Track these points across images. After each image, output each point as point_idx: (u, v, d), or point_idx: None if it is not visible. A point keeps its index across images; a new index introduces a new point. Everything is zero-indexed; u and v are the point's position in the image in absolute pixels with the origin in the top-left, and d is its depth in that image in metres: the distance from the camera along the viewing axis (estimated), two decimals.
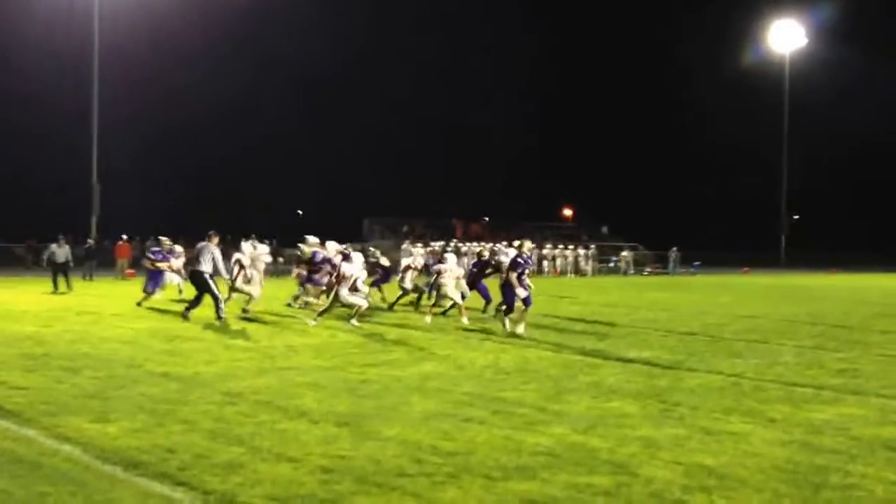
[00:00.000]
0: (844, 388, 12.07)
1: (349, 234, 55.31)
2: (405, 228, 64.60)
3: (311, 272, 23.70)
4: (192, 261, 20.94)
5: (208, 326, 18.87)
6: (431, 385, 11.86)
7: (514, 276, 17.88)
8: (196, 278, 20.30)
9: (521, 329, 17.81)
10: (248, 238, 26.72)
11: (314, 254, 23.41)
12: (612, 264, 64.86)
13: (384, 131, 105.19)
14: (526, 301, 18.03)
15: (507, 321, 18.18)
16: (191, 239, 30.16)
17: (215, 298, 19.94)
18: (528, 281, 18.39)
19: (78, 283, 34.24)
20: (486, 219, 70.86)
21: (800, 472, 7.70)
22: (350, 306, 19.25)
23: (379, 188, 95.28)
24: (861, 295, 35.35)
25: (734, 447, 8.58)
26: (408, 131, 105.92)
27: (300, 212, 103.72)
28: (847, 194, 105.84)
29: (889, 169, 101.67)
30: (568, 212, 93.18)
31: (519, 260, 18.45)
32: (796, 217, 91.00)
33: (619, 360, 13.52)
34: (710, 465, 7.86)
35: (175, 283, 26.70)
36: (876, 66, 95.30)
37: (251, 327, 19.00)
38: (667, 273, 63.40)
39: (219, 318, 19.59)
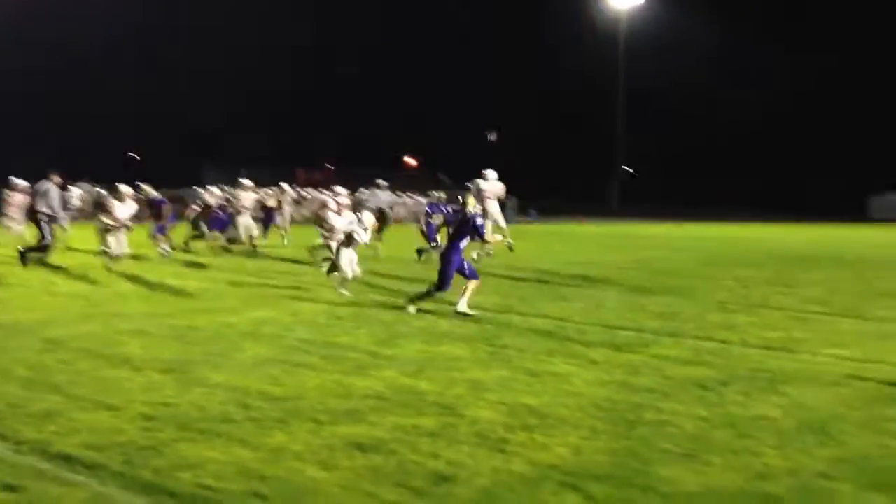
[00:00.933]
0: (662, 331, 12.62)
1: (189, 179, 53.89)
2: (243, 174, 63.28)
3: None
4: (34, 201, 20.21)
5: (34, 272, 18.07)
6: (264, 331, 11.75)
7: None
8: (33, 218, 19.76)
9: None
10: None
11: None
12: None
13: (232, 76, 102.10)
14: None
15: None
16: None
17: (42, 240, 19.30)
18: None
19: None
20: (330, 166, 70.30)
21: (617, 409, 8.04)
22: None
23: (220, 133, 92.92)
24: (688, 244, 36.94)
25: (556, 387, 8.87)
26: (258, 76, 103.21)
27: (135, 155, 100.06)
28: (681, 149, 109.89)
29: (721, 123, 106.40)
30: (412, 161, 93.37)
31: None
32: (630, 170, 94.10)
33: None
34: (532, 405, 8.11)
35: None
36: (706, 25, 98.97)
37: (81, 274, 18.30)
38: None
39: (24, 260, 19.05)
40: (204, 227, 26.35)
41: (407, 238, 28.98)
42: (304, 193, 51.91)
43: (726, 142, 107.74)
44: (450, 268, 13.58)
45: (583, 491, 5.82)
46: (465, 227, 13.79)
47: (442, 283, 13.58)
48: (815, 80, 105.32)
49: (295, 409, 7.75)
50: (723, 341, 11.79)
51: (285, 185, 34.06)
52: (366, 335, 11.61)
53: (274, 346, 10.68)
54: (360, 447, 6.66)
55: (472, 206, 14.00)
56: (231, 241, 25.74)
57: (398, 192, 60.11)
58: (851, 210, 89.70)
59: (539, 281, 19.25)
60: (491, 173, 22.77)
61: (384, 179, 32.67)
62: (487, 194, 22.15)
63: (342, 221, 17.66)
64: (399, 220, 56.10)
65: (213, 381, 8.68)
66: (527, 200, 68.20)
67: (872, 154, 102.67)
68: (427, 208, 24.93)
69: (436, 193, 26.26)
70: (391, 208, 33.58)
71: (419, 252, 23.67)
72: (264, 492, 5.64)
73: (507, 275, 20.16)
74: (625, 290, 17.89)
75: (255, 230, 26.14)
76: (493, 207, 22.52)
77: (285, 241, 29.91)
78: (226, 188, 31.21)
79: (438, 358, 10.27)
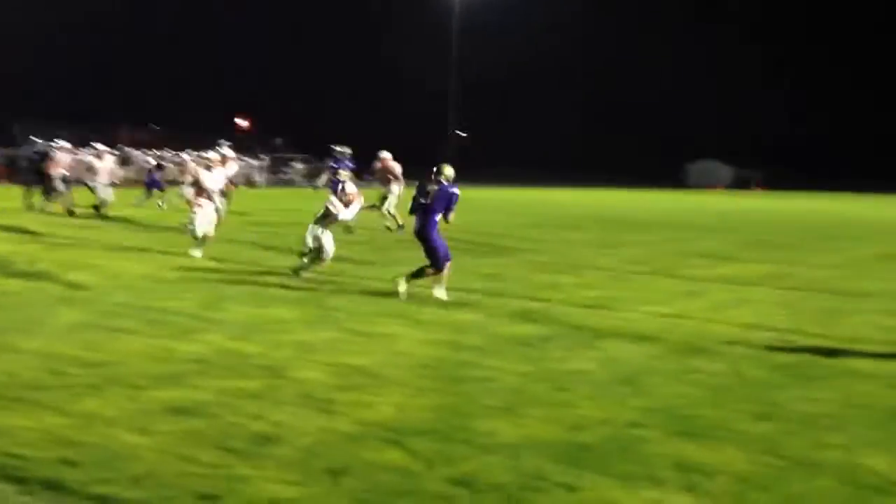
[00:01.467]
0: (489, 291, 12.89)
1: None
2: (61, 134, 60.36)
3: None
4: None
5: None
6: (80, 296, 11.29)
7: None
8: None
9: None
10: None
11: None
12: (285, 176, 64.61)
13: (51, 31, 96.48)
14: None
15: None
16: None
17: None
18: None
19: None
20: (155, 126, 67.91)
21: (443, 367, 8.17)
22: None
23: (34, 90, 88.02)
24: (515, 208, 37.74)
25: (384, 348, 8.93)
26: (77, 31, 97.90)
27: None
28: (517, 115, 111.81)
29: (549, 90, 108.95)
30: (244, 122, 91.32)
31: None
32: (465, 135, 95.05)
33: (282, 267, 13.57)
34: (360, 365, 8.13)
35: None
36: None
37: None
38: None
39: None
40: (59, 186, 24.98)
41: (239, 200, 28.42)
42: (127, 153, 50.13)
43: (556, 109, 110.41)
44: (436, 242, 12.06)
45: (405, 446, 5.89)
46: (441, 200, 12.11)
47: (437, 260, 12.00)
48: (637, 51, 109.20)
49: (111, 374, 7.50)
50: (546, 300, 12.13)
51: (100, 145, 32.64)
52: (192, 299, 11.34)
53: (90, 310, 10.28)
54: (180, 411, 6.51)
55: (448, 178, 12.18)
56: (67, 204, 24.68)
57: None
58: (670, 176, 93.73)
59: (372, 244, 19.26)
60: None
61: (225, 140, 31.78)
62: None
63: (215, 179, 16.89)
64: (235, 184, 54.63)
65: (24, 348, 8.30)
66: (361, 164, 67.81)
67: (690, 123, 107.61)
68: (332, 164, 24.32)
69: (338, 148, 24.44)
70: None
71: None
72: (75, 458, 5.44)
73: (341, 238, 20.05)
74: (455, 252, 18.08)
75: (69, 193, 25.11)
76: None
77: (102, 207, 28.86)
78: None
79: (266, 321, 10.15)
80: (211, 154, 18.38)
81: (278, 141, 75.58)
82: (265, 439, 5.98)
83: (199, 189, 16.39)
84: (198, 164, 19.70)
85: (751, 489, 5.29)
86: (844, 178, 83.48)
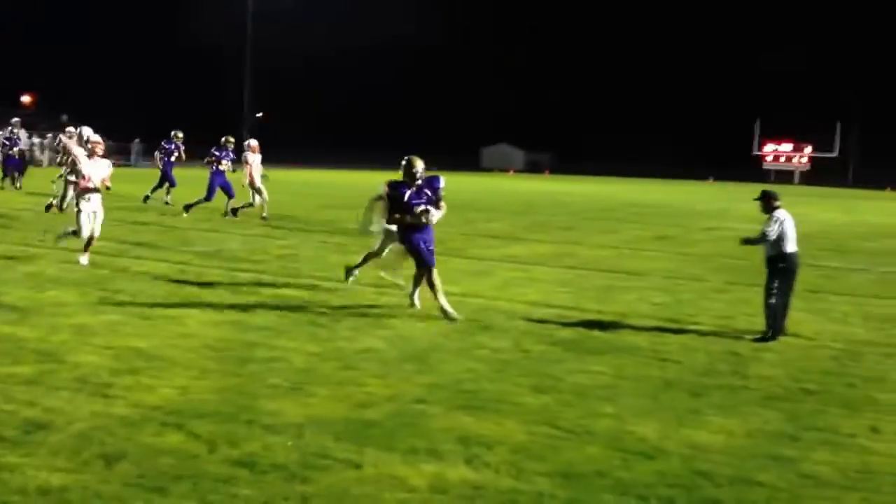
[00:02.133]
0: (282, 272, 12.79)
1: None
2: None
3: None
4: None
5: None
6: None
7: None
8: None
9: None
10: None
11: None
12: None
13: None
14: None
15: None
16: None
17: None
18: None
19: None
20: None
21: (229, 349, 8.06)
22: None
23: None
24: (310, 189, 37.48)
25: (169, 330, 8.72)
26: None
27: None
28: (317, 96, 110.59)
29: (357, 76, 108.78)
30: (26, 98, 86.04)
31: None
32: (260, 115, 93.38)
33: (63, 251, 12.97)
34: (141, 348, 7.91)
35: None
36: None
37: None
38: (129, 165, 61.70)
39: None
40: None
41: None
42: None
43: (360, 92, 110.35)
44: (418, 245, 10.21)
45: (186, 429, 5.79)
46: (421, 194, 10.30)
47: (425, 260, 10.19)
48: (437, 37, 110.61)
49: None
50: (338, 280, 12.15)
51: None
52: None
53: None
54: None
55: (420, 169, 10.37)
56: None
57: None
58: (467, 159, 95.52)
59: (163, 226, 18.66)
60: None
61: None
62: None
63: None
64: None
65: None
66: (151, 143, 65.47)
67: (484, 108, 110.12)
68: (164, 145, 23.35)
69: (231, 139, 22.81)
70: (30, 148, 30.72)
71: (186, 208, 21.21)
72: None
73: (130, 220, 19.33)
74: (248, 233, 17.86)
75: None
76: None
77: None
78: None
79: (43, 304, 9.70)
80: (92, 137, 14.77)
81: (64, 117, 71.65)
82: (37, 426, 5.73)
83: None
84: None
85: (527, 459, 5.52)
86: (630, 164, 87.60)
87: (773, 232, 9.41)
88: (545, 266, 14.78)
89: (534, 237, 19.57)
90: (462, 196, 35.88)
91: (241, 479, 5.01)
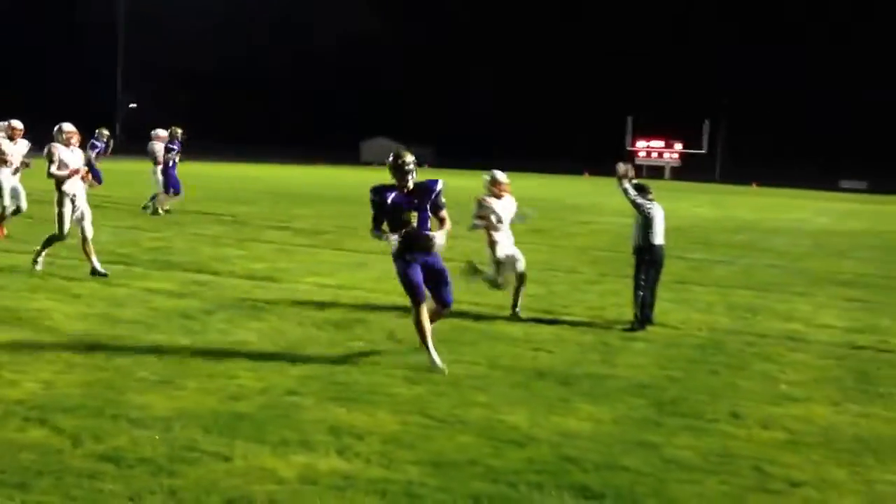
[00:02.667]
0: (154, 265, 12.50)
1: None
2: None
3: None
4: None
5: None
6: None
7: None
8: None
9: None
10: None
11: None
12: None
13: None
14: None
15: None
16: None
17: None
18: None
19: None
20: None
21: (97, 342, 7.83)
22: None
23: None
24: (191, 181, 36.62)
25: (34, 324, 8.45)
26: None
27: None
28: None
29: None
30: None
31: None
32: (134, 105, 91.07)
33: None
34: (4, 342, 7.64)
35: None
36: None
37: None
38: None
39: None
40: None
41: None
42: None
43: (237, 84, 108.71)
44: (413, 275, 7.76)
45: (50, 424, 5.61)
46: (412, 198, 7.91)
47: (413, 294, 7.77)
48: (312, 38, 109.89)
49: None
50: (213, 273, 11.97)
51: None
52: None
53: None
54: None
55: (411, 163, 8.06)
56: None
57: None
58: (346, 154, 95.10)
59: (33, 219, 17.91)
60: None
61: None
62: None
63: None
64: None
65: None
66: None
67: (365, 102, 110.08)
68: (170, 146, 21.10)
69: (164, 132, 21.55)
70: None
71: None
72: None
73: None
74: (118, 225, 17.37)
75: None
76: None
77: None
78: None
79: None
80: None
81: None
82: None
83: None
84: None
85: (398, 448, 5.55)
86: (509, 159, 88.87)
87: (643, 206, 9.71)
88: None
89: None
90: (340, 189, 35.74)
91: (106, 473, 4.89)
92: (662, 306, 10.35)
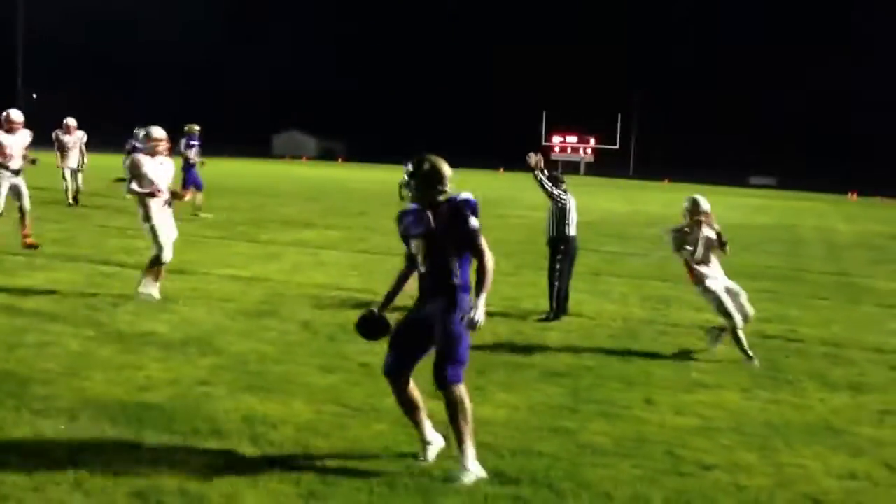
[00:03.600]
0: (58, 256, 12.13)
1: None
2: None
3: None
4: None
5: None
6: None
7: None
8: None
9: None
10: None
11: None
12: None
13: None
14: None
15: None
16: None
17: None
18: None
19: None
20: None
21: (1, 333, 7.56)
22: None
23: None
24: (98, 172, 35.76)
25: None
26: None
27: None
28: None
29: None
30: None
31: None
32: (35, 95, 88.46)
33: None
34: None
35: None
36: None
37: None
38: None
39: None
40: None
41: None
42: None
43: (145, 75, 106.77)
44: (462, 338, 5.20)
45: None
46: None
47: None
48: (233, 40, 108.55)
49: None
50: (120, 265, 11.67)
51: None
52: None
53: None
54: None
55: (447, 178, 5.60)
56: None
57: None
58: (257, 148, 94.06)
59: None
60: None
61: None
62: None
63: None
64: None
65: None
66: None
67: (276, 95, 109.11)
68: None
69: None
70: None
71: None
72: None
73: None
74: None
75: None
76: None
77: None
78: None
79: None
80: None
81: None
82: None
83: None
84: None
85: (313, 436, 5.46)
86: (429, 152, 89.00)
87: (558, 196, 9.74)
88: (336, 250, 14.71)
89: (326, 222, 19.45)
90: (252, 181, 35.27)
91: (7, 464, 4.70)
92: (577, 297, 10.43)
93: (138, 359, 7.03)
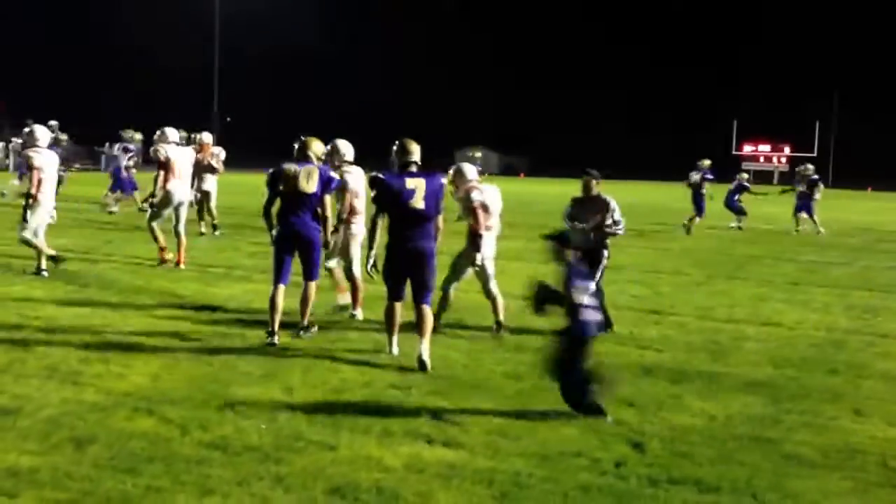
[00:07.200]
0: (254, 268, 12.57)
1: None
2: None
3: None
4: None
5: None
6: None
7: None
8: None
9: None
10: None
11: None
12: None
13: None
14: None
15: None
16: None
17: None
18: None
19: None
20: None
21: (202, 338, 7.91)
22: None
23: None
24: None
25: (138, 320, 8.58)
26: None
27: None
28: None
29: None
30: None
31: None
32: (229, 119, 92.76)
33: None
34: (112, 337, 7.77)
35: None
36: None
37: None
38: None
39: None
40: None
41: None
42: None
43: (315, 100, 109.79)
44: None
45: (158, 414, 5.66)
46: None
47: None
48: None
49: None
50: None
51: None
52: None
53: None
54: None
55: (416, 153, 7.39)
56: None
57: None
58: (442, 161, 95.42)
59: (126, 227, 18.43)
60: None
61: None
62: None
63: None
64: None
65: None
66: None
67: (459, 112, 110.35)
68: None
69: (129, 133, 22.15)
70: None
71: None
72: None
73: (93, 219, 19.09)
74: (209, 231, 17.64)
75: None
76: None
77: None
78: None
79: (11, 297, 9.52)
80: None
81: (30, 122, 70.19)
82: (5, 412, 5.61)
83: None
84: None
85: (503, 439, 5.43)
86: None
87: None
88: (518, 261, 14.64)
89: (506, 233, 19.42)
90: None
91: (213, 460, 4.93)
92: (775, 307, 10.04)
93: (333, 363, 7.20)
